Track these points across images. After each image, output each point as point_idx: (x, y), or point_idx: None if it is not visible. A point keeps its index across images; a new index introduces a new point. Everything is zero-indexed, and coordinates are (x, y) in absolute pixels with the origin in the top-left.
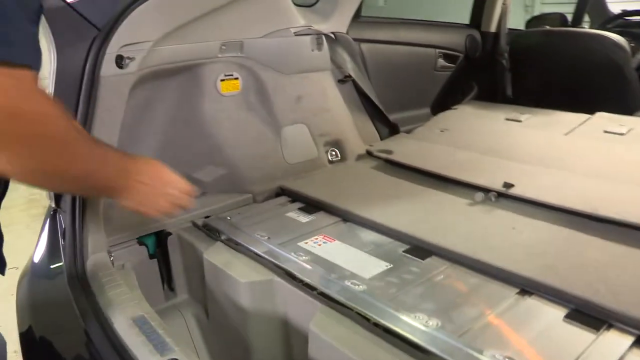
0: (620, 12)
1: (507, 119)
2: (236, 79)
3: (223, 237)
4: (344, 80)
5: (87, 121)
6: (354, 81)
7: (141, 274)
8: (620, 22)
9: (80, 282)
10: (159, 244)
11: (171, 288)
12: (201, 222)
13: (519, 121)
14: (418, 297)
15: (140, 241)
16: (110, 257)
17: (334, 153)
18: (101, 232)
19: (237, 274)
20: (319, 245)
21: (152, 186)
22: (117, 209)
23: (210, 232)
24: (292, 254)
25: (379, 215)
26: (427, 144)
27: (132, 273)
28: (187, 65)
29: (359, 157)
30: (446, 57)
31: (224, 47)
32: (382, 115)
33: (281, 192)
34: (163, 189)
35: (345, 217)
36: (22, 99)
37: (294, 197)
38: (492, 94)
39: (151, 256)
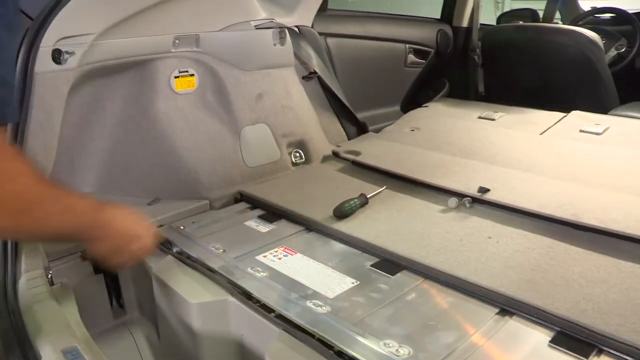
0: (590, 9)
1: (480, 117)
2: (192, 75)
3: (175, 250)
4: (308, 76)
5: (19, 124)
6: (319, 77)
7: (86, 292)
8: (591, 19)
9: (9, 306)
10: None
11: (120, 305)
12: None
13: (492, 119)
14: (387, 320)
15: (85, 255)
16: (48, 275)
17: (297, 154)
18: (38, 246)
19: (187, 294)
20: (279, 259)
21: (119, 241)
22: None
23: (161, 243)
24: (249, 269)
25: (344, 225)
26: (396, 145)
27: (71, 293)
28: (137, 60)
29: (325, 159)
30: (417, 52)
31: (177, 41)
32: (349, 114)
33: (240, 197)
34: (129, 244)
35: (309, 226)
36: None
37: (254, 203)
38: (464, 91)
39: (96, 271)
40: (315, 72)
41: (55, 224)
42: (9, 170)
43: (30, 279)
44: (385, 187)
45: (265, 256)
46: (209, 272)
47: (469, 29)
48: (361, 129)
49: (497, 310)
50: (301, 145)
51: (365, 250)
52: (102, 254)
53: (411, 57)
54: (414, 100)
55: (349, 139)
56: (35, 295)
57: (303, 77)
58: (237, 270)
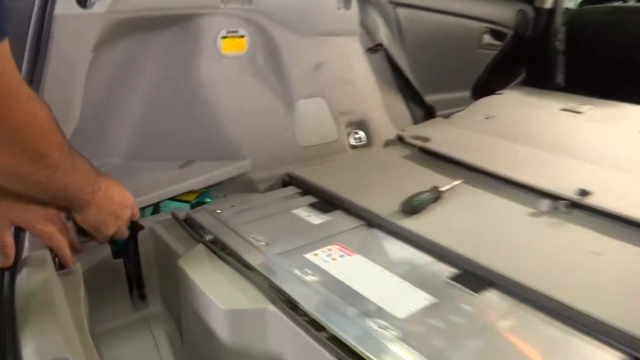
0: None
1: (564, 110)
2: (242, 36)
3: (208, 237)
4: (374, 49)
5: (34, 76)
6: (385, 51)
7: (101, 278)
8: None
9: (3, 295)
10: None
11: (142, 296)
12: (183, 214)
13: (579, 112)
14: (475, 357)
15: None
16: (55, 257)
17: (357, 136)
18: None
19: (217, 296)
20: (334, 259)
21: (109, 211)
22: None
23: (192, 228)
24: (296, 270)
25: (413, 222)
26: (470, 132)
27: (81, 280)
28: (179, 15)
29: (388, 143)
30: (493, 33)
31: None
32: (416, 95)
33: (289, 180)
34: (119, 213)
35: (370, 220)
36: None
37: (305, 188)
38: (541, 80)
39: (116, 255)
40: (381, 45)
41: (62, 179)
42: (28, 111)
43: (32, 261)
44: (461, 180)
45: (316, 254)
46: (245, 270)
47: (552, 11)
48: (428, 113)
49: (623, 357)
50: (361, 126)
51: (442, 257)
52: (90, 224)
53: (486, 38)
54: (485, 86)
55: (414, 123)
56: (36, 282)
57: (367, 50)
58: (280, 270)
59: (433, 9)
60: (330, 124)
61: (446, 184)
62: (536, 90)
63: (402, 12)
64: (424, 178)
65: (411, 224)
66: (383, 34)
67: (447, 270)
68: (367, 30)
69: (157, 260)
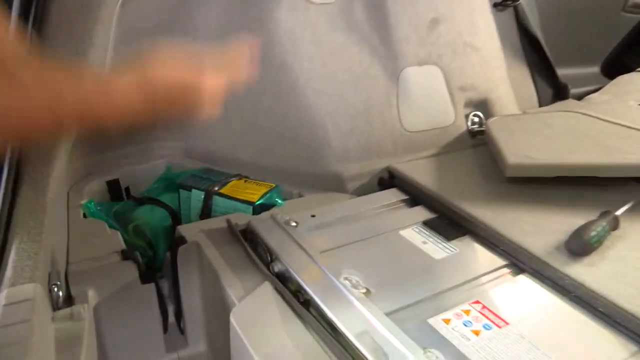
0: None
1: None
2: None
3: (277, 269)
4: (504, 4)
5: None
6: (516, 8)
7: (125, 310)
8: None
9: None
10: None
11: (180, 330)
12: (244, 222)
13: None
14: None
15: (129, 253)
16: (51, 287)
17: (476, 120)
18: (41, 237)
19: None
20: (475, 332)
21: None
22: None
23: (255, 248)
24: (421, 354)
25: (591, 272)
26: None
27: (90, 319)
28: None
29: None
30: None
31: None
32: (548, 68)
33: (388, 179)
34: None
35: (521, 262)
36: None
37: (414, 194)
38: None
39: (145, 278)
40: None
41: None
42: None
43: (15, 298)
44: (636, 199)
45: (447, 320)
46: (335, 341)
47: None
48: (560, 92)
49: None
50: (484, 106)
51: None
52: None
53: None
54: (618, 61)
55: (540, 105)
56: (16, 336)
57: (494, 5)
58: (393, 349)
59: None
60: (446, 102)
61: (614, 202)
62: None
63: None
64: (581, 191)
65: (587, 275)
66: None
67: None
68: None
69: (202, 285)
